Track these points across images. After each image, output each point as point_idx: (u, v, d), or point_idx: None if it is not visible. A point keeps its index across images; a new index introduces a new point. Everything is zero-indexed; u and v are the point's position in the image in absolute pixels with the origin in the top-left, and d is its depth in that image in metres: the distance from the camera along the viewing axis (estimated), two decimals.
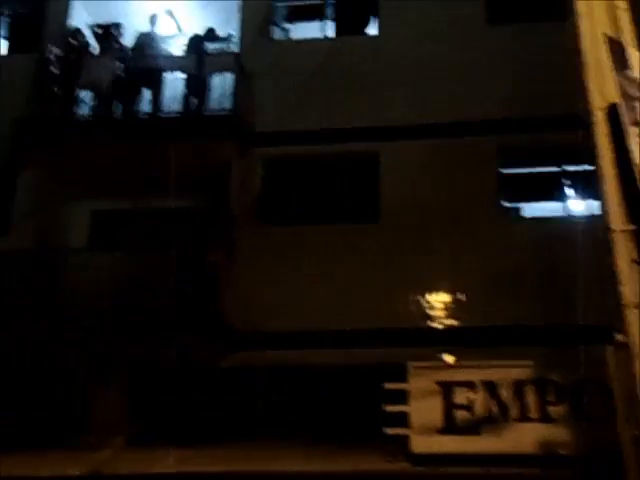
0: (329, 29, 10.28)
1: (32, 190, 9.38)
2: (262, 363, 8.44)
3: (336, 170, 9.45)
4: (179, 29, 10.12)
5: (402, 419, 6.99)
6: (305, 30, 10.36)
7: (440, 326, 8.53)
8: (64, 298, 8.70)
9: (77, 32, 9.99)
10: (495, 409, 6.78)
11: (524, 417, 6.79)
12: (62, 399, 8.55)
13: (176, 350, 8.16)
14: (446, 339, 8.46)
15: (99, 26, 10.01)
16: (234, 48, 10.02)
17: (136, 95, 9.62)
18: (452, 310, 8.54)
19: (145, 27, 9.98)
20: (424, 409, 6.85)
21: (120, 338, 8.29)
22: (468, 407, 6.80)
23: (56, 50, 9.75)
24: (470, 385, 6.84)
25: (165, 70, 9.57)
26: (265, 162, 9.47)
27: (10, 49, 10.71)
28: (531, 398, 6.82)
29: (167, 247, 8.81)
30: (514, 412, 6.80)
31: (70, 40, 9.96)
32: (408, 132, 9.31)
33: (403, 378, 7.54)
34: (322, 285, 8.67)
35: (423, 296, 8.64)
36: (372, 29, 10.22)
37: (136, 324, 8.26)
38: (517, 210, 9.23)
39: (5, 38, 10.77)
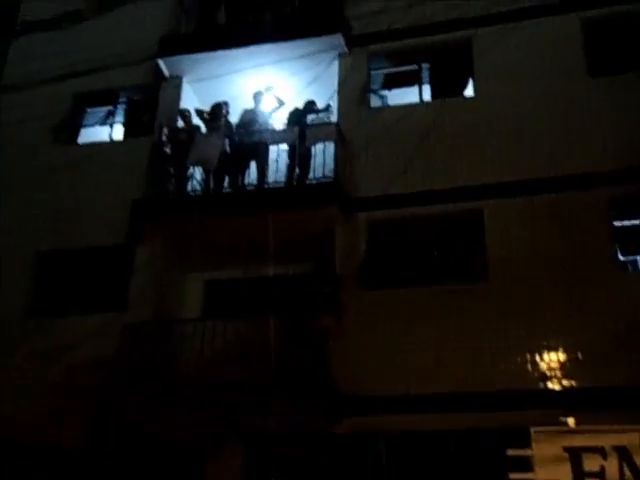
0: (425, 93, 10.46)
1: (149, 265, 9.81)
2: (374, 429, 8.35)
3: (441, 230, 9.42)
4: (280, 103, 10.56)
5: None
6: (402, 95, 10.58)
7: (558, 387, 8.19)
8: (180, 368, 9.02)
9: (187, 113, 10.63)
10: (630, 476, 6.37)
11: None
12: (179, 469, 8.71)
13: (288, 418, 8.22)
14: (566, 401, 8.09)
15: (204, 112, 10.55)
16: (333, 117, 10.35)
17: (243, 169, 10.09)
18: (570, 370, 8.20)
19: (249, 103, 10.51)
20: (552, 476, 6.52)
21: (233, 406, 8.44)
22: (600, 474, 6.41)
23: (168, 132, 10.40)
24: (600, 451, 6.47)
25: (269, 143, 10.00)
26: (369, 226, 9.56)
27: (126, 134, 11.47)
28: None
29: (276, 313, 8.95)
30: None
31: (180, 121, 10.64)
32: (512, 189, 9.22)
33: (524, 443, 7.26)
34: (433, 347, 8.56)
35: (538, 355, 8.35)
36: (468, 90, 10.33)
37: (248, 392, 8.39)
38: (634, 263, 8.88)
39: (121, 124, 11.57)
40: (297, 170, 9.85)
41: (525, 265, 8.75)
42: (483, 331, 8.54)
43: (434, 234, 9.44)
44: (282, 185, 9.83)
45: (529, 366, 8.32)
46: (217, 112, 10.44)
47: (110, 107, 11.59)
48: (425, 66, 10.53)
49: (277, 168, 9.91)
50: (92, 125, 11.61)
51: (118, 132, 11.53)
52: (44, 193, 10.61)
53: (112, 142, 11.35)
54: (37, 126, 11.21)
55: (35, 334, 9.56)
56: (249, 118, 10.39)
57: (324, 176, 9.62)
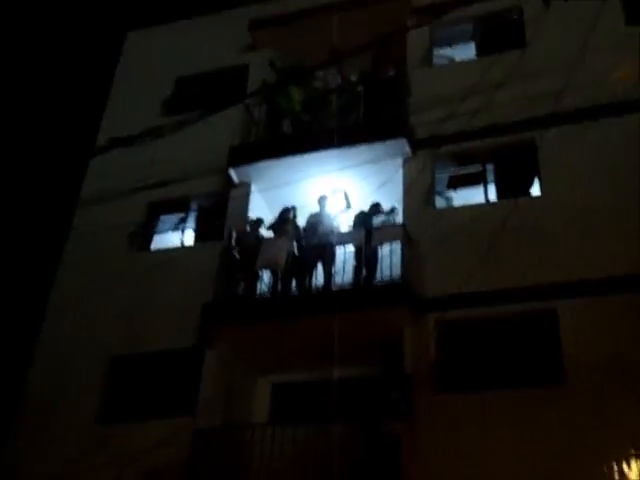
0: (490, 192, 10.49)
1: (217, 369, 9.77)
2: None
3: (513, 331, 9.16)
4: (348, 205, 10.74)
5: None
6: (468, 194, 10.64)
7: None
8: (249, 474, 8.83)
9: (256, 221, 10.88)
10: None
11: None
12: None
13: None
14: None
15: (272, 223, 10.84)
16: (398, 219, 10.44)
17: (310, 271, 10.18)
18: None
19: (316, 208, 10.74)
20: None
21: None
22: None
23: (237, 236, 10.66)
24: None
25: (335, 245, 10.11)
26: (439, 327, 9.39)
27: (196, 239, 11.78)
28: None
29: (345, 418, 8.73)
30: None
31: (249, 226, 10.91)
32: (585, 287, 8.98)
33: None
34: (510, 456, 8.16)
35: (626, 466, 7.83)
36: (534, 189, 10.32)
37: None
38: None
39: (192, 229, 11.91)
40: (364, 271, 9.88)
41: (606, 369, 8.38)
42: (564, 439, 8.11)
43: (507, 335, 9.17)
44: (349, 287, 9.85)
45: (617, 477, 7.79)
46: (284, 216, 10.70)
47: (182, 214, 12.01)
48: (489, 167, 10.62)
49: (344, 270, 9.98)
50: (164, 231, 12.01)
51: (189, 237, 11.86)
52: (118, 299, 10.87)
53: (183, 247, 11.67)
54: (113, 235, 11.63)
55: (106, 440, 9.53)
56: (315, 221, 10.59)
57: (391, 277, 9.61)
